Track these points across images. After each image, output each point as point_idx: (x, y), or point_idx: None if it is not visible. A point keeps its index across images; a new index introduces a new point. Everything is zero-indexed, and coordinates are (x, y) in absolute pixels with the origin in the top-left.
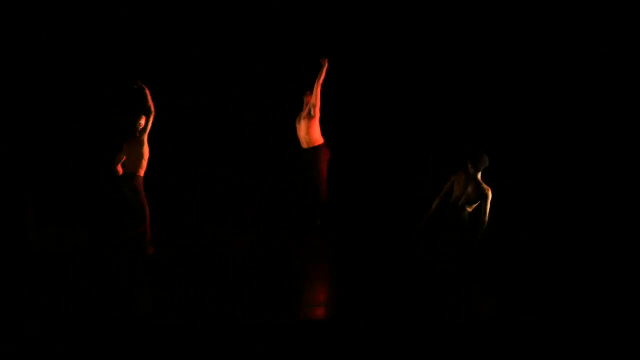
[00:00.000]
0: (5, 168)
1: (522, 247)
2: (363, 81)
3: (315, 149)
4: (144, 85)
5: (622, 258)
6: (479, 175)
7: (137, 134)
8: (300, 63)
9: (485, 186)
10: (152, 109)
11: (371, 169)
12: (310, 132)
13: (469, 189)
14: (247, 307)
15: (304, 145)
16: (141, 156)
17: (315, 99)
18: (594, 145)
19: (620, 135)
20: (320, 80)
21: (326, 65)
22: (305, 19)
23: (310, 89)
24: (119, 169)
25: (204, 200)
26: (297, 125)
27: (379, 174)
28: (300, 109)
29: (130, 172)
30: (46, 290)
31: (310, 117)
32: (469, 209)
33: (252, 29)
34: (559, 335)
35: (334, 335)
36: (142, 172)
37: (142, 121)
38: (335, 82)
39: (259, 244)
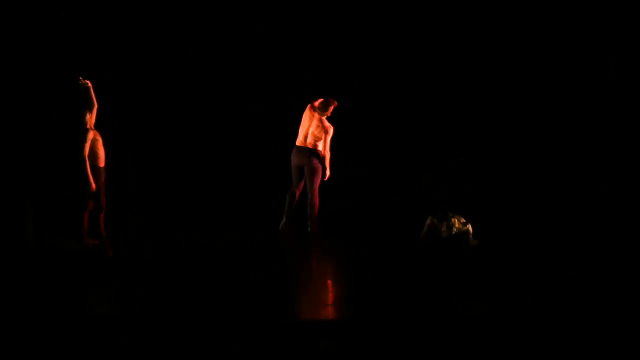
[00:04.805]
0: (5, 168)
1: (519, 248)
2: (362, 81)
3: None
4: (87, 81)
5: (620, 259)
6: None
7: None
8: (292, 64)
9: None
10: (95, 103)
11: (369, 168)
12: None
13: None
14: (241, 307)
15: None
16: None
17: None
18: (590, 146)
19: (618, 135)
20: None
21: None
22: (303, 19)
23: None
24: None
25: (201, 201)
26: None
27: (376, 172)
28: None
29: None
30: (44, 290)
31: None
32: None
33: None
34: (557, 336)
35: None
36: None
37: (89, 117)
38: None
39: (256, 244)
